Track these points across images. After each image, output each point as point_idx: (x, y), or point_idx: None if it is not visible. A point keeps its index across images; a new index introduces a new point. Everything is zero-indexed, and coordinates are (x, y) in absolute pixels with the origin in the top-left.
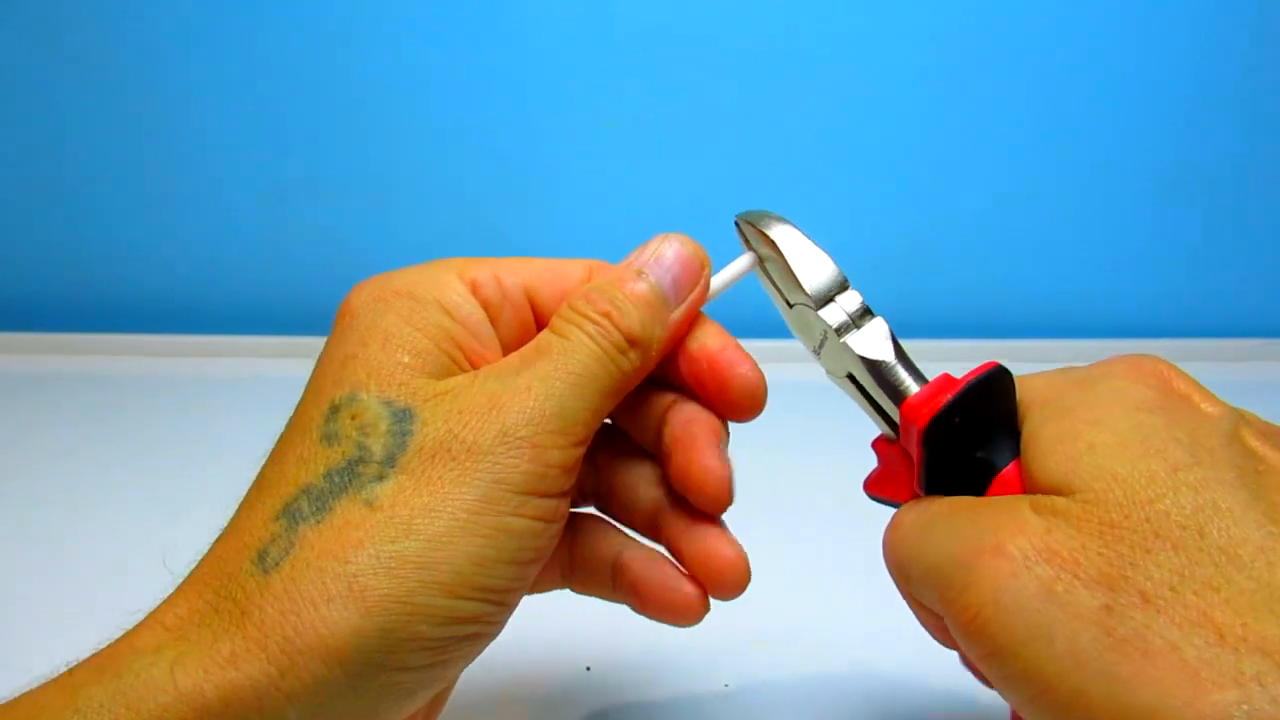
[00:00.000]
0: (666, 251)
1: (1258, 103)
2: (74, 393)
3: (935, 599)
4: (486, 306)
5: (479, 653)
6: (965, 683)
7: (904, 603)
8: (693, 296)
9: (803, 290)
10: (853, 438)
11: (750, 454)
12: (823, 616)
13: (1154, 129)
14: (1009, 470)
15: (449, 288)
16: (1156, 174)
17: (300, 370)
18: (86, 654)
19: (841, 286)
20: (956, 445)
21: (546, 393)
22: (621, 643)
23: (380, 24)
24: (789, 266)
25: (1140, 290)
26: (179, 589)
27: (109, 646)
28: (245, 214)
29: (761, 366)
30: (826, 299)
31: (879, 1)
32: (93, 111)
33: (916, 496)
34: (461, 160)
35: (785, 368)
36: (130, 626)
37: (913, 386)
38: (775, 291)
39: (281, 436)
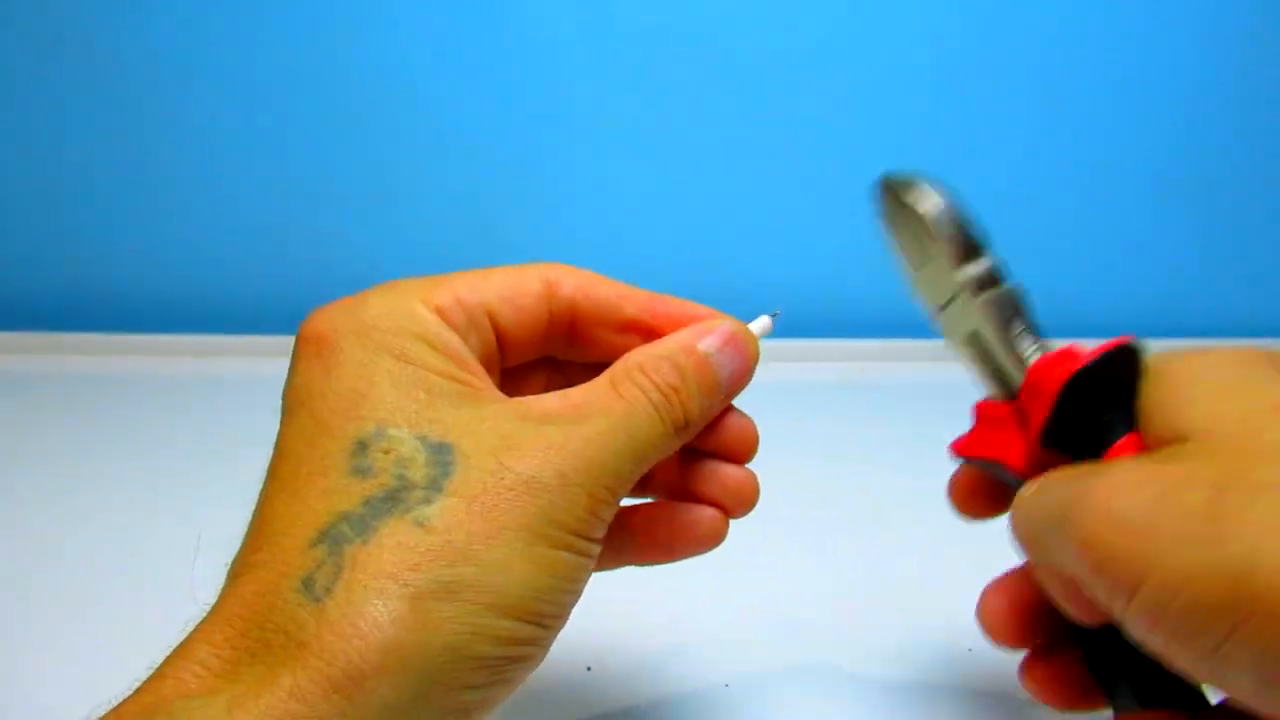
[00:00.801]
0: (732, 342)
1: (1258, 102)
2: (74, 393)
3: (1057, 541)
4: (456, 331)
5: (527, 676)
6: (965, 682)
7: (905, 603)
8: (736, 394)
9: (942, 246)
10: (851, 438)
11: None
12: (822, 616)
13: (1154, 129)
14: (1129, 438)
15: (424, 320)
16: (1156, 174)
17: None
18: (83, 653)
19: (979, 248)
20: (1087, 405)
21: (609, 450)
22: (621, 643)
23: (380, 24)
24: (928, 222)
25: (1140, 290)
26: (210, 625)
27: (149, 689)
28: (245, 214)
29: (759, 367)
30: (963, 257)
31: (879, 2)
32: (92, 111)
33: (1024, 458)
34: (461, 160)
35: (783, 367)
36: (155, 659)
37: (1036, 351)
38: (911, 245)
39: (285, 472)
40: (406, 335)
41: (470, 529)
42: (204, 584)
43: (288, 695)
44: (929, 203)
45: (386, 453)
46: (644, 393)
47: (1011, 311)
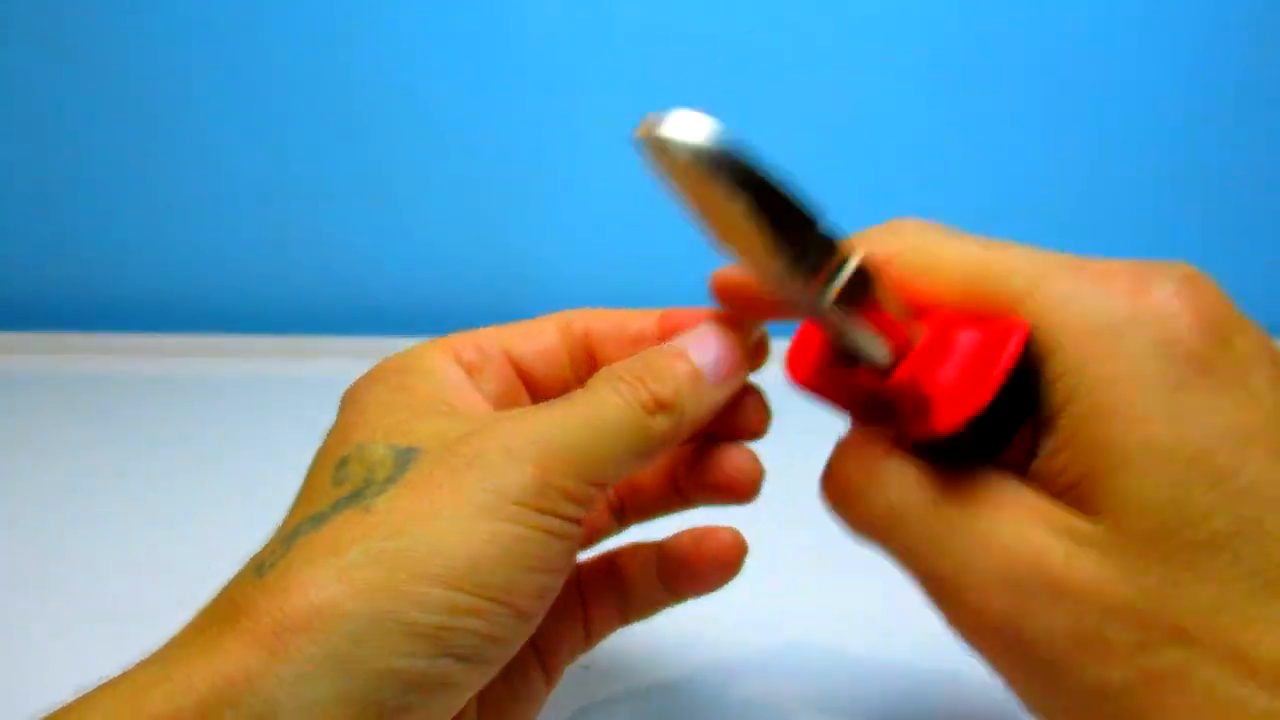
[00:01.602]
0: (710, 340)
1: (1258, 103)
2: (74, 393)
3: (926, 591)
4: (469, 370)
5: (494, 660)
6: (968, 678)
7: (904, 603)
8: (733, 383)
9: (758, 239)
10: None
11: None
12: (822, 615)
13: (1154, 129)
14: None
15: (429, 356)
16: (1156, 174)
17: (300, 370)
18: (82, 653)
19: (805, 227)
20: (989, 431)
21: (561, 425)
22: (621, 643)
23: (380, 24)
24: (736, 209)
25: None
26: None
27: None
28: (245, 214)
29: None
30: (792, 252)
31: (878, 2)
32: (93, 111)
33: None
34: (461, 160)
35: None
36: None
37: (894, 343)
38: (711, 227)
39: (294, 503)
40: (408, 371)
41: (410, 507)
42: (206, 583)
43: (219, 654)
44: (725, 177)
45: (361, 463)
46: (610, 384)
47: (863, 297)
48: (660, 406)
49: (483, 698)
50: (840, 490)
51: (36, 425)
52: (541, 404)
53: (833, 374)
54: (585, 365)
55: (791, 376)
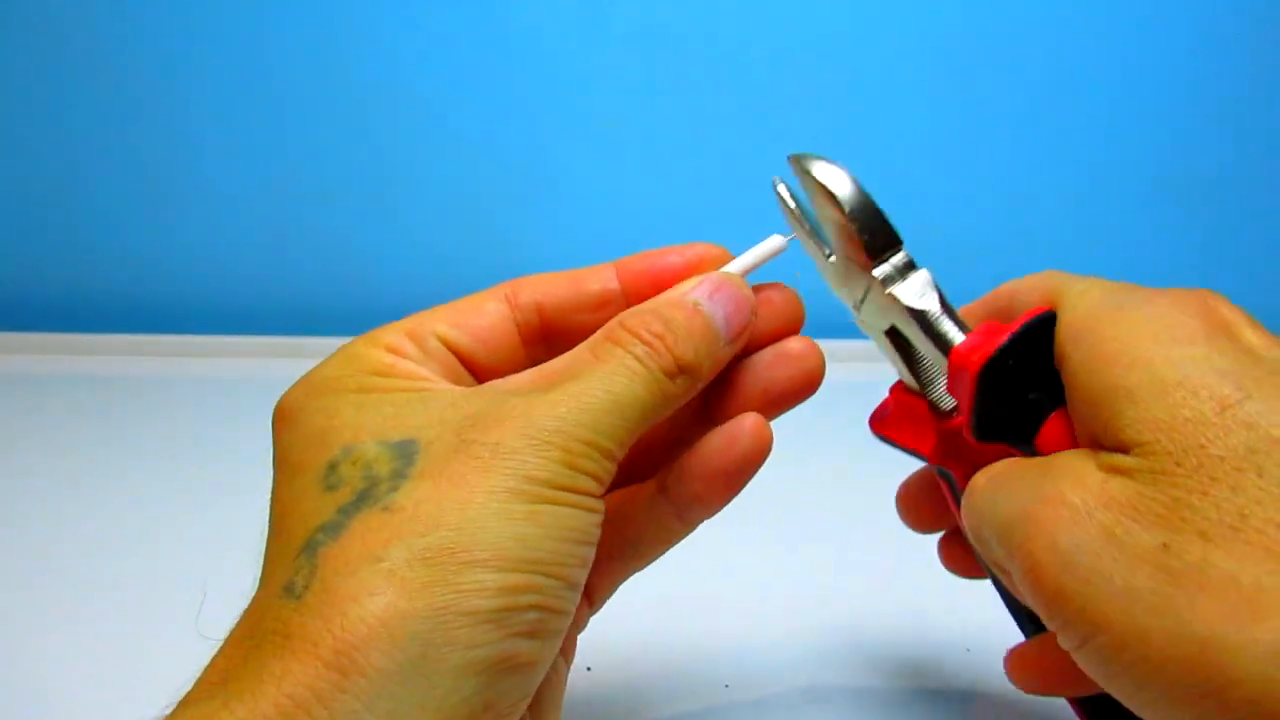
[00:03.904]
0: (722, 288)
1: (1257, 105)
2: (74, 393)
3: (1004, 555)
4: (412, 360)
5: (556, 633)
6: (964, 683)
7: (903, 604)
8: (743, 338)
9: (856, 241)
10: (853, 439)
11: None
12: (822, 616)
13: (1153, 131)
14: (1055, 417)
15: (375, 357)
16: (1155, 176)
17: (300, 370)
18: (82, 652)
19: (892, 239)
20: (1010, 388)
21: (580, 407)
22: (621, 643)
23: (381, 26)
24: (843, 215)
25: None
26: (215, 654)
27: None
28: (245, 215)
29: None
30: (878, 249)
31: (879, 2)
32: (93, 112)
33: (937, 453)
34: (462, 160)
35: None
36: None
37: (959, 335)
38: (815, 243)
39: (273, 518)
40: (363, 374)
41: (440, 499)
42: (201, 583)
43: (280, 680)
44: (845, 189)
45: (354, 464)
46: (624, 346)
47: (929, 298)
48: (681, 370)
49: None
50: (970, 494)
51: (36, 425)
52: (545, 380)
53: (900, 416)
54: (538, 337)
55: (874, 430)
